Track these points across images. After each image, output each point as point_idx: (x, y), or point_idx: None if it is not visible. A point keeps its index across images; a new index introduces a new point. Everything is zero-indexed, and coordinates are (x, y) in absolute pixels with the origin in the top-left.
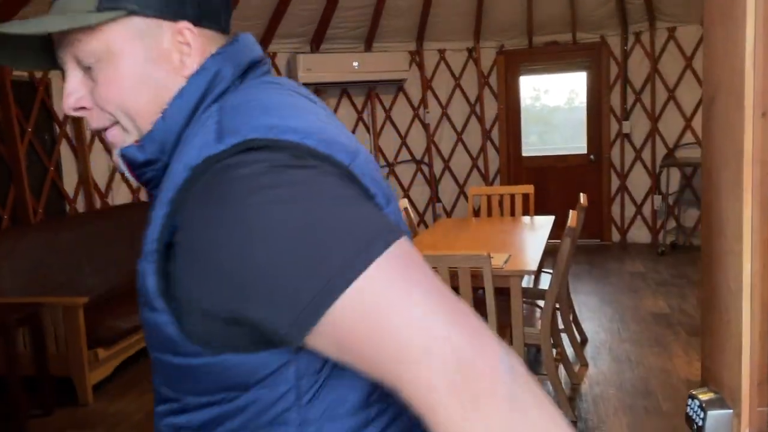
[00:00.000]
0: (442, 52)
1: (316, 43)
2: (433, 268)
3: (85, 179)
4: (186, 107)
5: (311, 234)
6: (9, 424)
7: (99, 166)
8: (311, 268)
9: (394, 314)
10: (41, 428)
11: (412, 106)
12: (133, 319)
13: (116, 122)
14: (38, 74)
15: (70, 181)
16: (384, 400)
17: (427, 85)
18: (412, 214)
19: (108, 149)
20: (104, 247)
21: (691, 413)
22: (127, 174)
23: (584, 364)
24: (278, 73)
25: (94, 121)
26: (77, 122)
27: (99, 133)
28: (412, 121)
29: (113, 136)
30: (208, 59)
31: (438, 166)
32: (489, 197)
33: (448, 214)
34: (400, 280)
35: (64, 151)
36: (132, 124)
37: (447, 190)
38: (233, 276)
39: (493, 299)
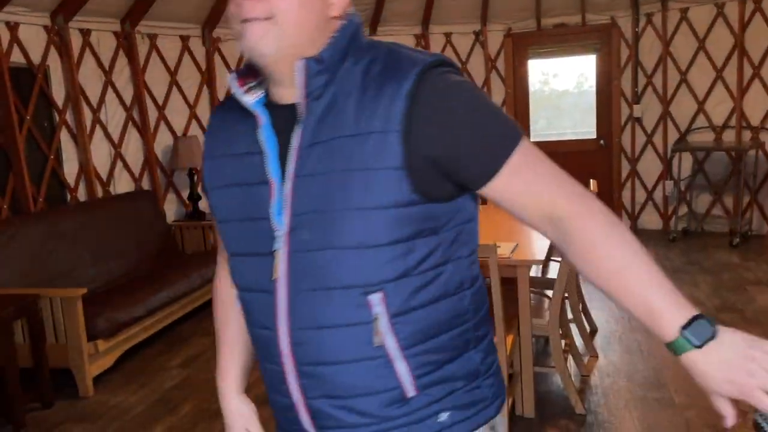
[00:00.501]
0: (448, 35)
1: None
2: None
3: (85, 167)
4: (344, 43)
5: (499, 110)
6: (7, 418)
7: (100, 154)
8: (504, 126)
9: (548, 166)
10: (40, 421)
11: None
12: (134, 311)
13: (269, 18)
14: (36, 61)
15: (70, 169)
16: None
17: None
18: None
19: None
20: (105, 237)
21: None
22: (235, 89)
23: (594, 355)
24: None
25: (253, 9)
26: (77, 109)
27: (245, 22)
28: None
29: (257, 29)
30: (351, 15)
31: None
32: None
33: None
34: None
35: (64, 138)
36: (279, 30)
37: None
38: (465, 125)
39: (499, 289)
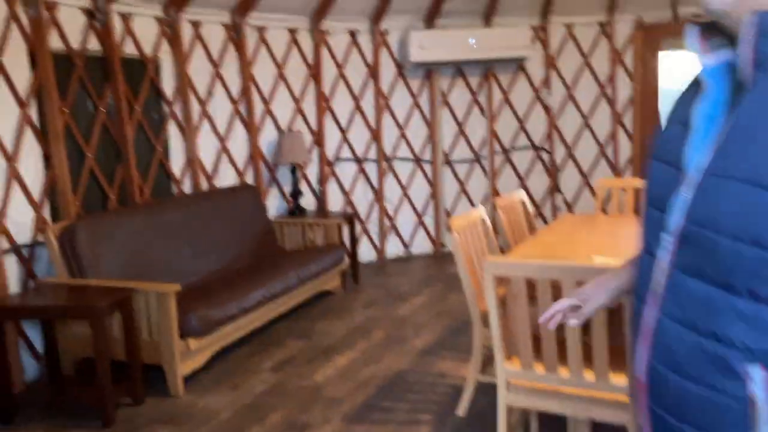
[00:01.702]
0: (569, 26)
1: (430, 18)
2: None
3: (192, 160)
4: None
5: None
6: (98, 412)
7: (206, 146)
8: None
9: None
10: (130, 418)
11: (532, 86)
12: (228, 309)
13: None
14: (148, 52)
15: (177, 161)
16: None
17: (551, 63)
18: (529, 206)
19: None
20: (206, 230)
21: None
22: (692, 44)
23: None
24: (389, 51)
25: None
26: (185, 102)
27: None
28: (533, 103)
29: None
30: None
31: (560, 153)
32: (619, 191)
33: (570, 208)
34: None
35: (172, 131)
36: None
37: (569, 180)
38: None
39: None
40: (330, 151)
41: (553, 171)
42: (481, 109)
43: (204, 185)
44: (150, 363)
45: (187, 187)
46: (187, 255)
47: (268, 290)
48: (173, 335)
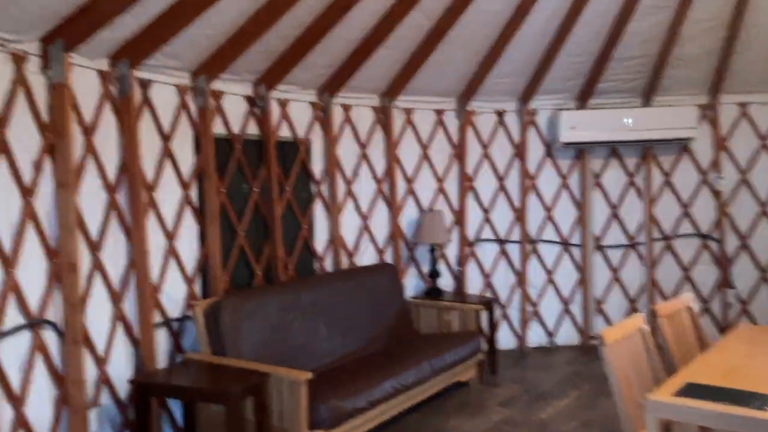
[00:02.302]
0: (743, 105)
1: (582, 98)
2: None
3: (335, 238)
4: None
5: None
6: None
7: (349, 224)
8: None
9: None
10: None
11: (699, 169)
12: (359, 399)
13: None
14: (300, 135)
15: (321, 239)
16: None
17: (721, 144)
18: (695, 305)
19: None
20: (343, 309)
21: None
22: None
23: None
24: (537, 131)
25: None
26: (332, 181)
27: None
28: (698, 187)
29: None
30: None
31: (732, 243)
32: None
33: (745, 306)
34: None
35: (318, 209)
36: None
37: (744, 274)
38: None
39: None
40: (471, 232)
41: (723, 262)
42: (638, 192)
43: (345, 263)
44: None
45: (329, 265)
46: (323, 335)
47: (401, 381)
48: (302, 425)
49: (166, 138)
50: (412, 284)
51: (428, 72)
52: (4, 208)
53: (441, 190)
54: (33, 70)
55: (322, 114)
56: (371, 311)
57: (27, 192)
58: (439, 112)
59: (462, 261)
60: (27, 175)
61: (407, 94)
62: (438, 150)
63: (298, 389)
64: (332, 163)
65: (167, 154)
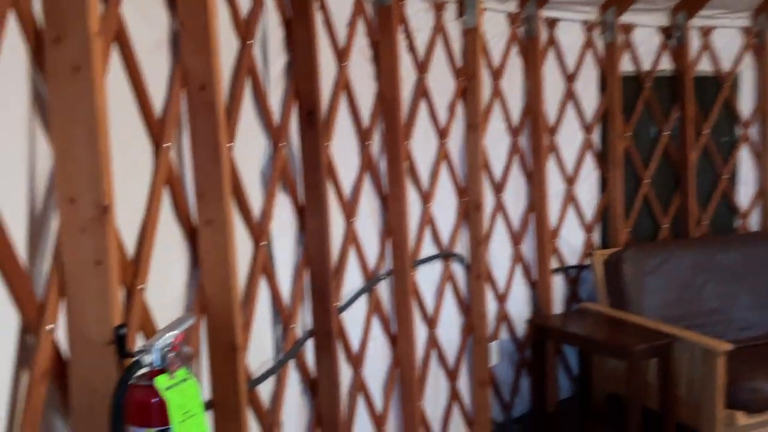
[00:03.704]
0: None
1: None
2: None
3: (765, 191)
4: None
5: None
6: None
7: None
8: None
9: None
10: None
11: None
12: None
13: None
14: (724, 68)
15: (745, 192)
16: None
17: None
18: None
19: None
20: None
21: None
22: None
23: None
24: None
25: None
26: (765, 123)
27: None
28: None
29: None
30: None
31: None
32: None
33: None
34: None
35: (743, 157)
36: None
37: None
38: None
39: None
40: None
41: None
42: None
43: None
44: (685, 423)
45: (754, 222)
46: (744, 304)
47: None
48: (716, 402)
49: (569, 79)
50: None
51: None
52: (424, 148)
53: None
54: (449, 17)
55: (756, 41)
56: None
57: (442, 133)
58: None
59: None
60: (442, 118)
61: None
62: None
63: (714, 360)
64: (766, 101)
65: (570, 95)
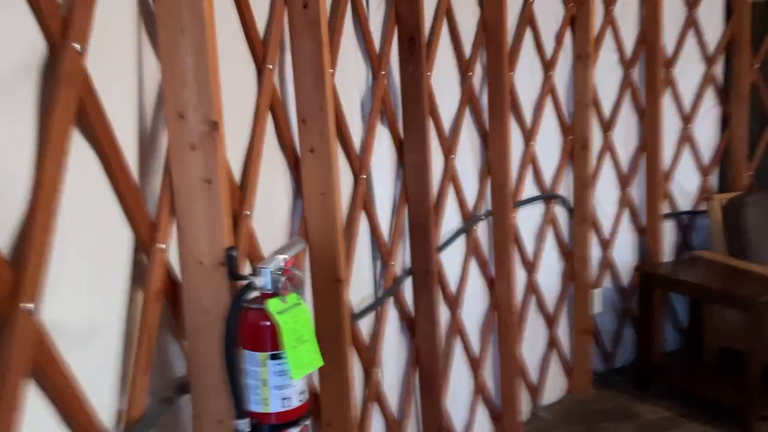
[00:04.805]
0: None
1: None
2: None
3: None
4: None
5: None
6: (736, 415)
7: None
8: None
9: None
10: None
11: None
12: None
13: None
14: None
15: None
16: None
17: None
18: None
19: None
20: None
21: None
22: None
23: None
24: None
25: None
26: None
27: None
28: None
29: None
30: None
31: None
32: None
33: None
34: None
35: None
36: None
37: None
38: None
39: None
40: None
41: None
42: None
43: None
44: None
45: None
46: None
47: None
48: None
49: (691, 5)
50: None
51: None
52: (528, 82)
53: None
54: None
55: None
56: None
57: (548, 65)
58: None
59: None
60: (549, 48)
61: None
62: None
63: None
64: None
65: (691, 23)
